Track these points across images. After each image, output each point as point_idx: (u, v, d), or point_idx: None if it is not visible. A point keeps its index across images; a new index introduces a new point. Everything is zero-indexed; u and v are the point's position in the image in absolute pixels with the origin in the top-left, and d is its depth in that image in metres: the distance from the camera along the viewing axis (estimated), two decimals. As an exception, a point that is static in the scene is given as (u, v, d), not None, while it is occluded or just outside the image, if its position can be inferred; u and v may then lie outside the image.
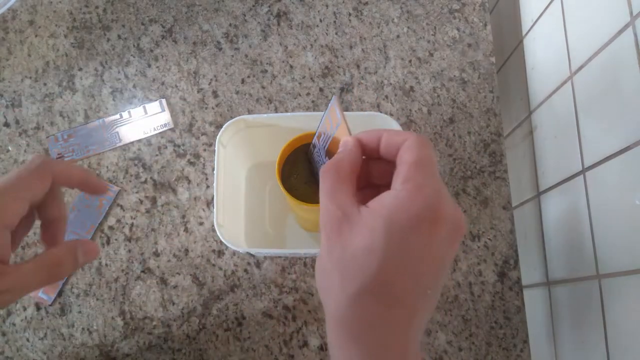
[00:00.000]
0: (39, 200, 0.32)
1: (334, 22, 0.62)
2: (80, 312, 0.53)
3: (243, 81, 0.60)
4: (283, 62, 0.61)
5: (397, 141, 0.27)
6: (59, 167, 0.33)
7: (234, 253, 0.54)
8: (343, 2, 0.63)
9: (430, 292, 0.26)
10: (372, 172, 0.30)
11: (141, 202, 0.56)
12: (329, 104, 0.33)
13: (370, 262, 0.25)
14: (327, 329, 0.27)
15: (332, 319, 0.26)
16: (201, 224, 0.55)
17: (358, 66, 0.60)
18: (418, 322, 0.26)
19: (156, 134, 0.58)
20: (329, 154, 0.36)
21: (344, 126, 0.31)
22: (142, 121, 0.59)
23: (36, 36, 0.62)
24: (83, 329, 0.53)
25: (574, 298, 0.47)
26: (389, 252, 0.24)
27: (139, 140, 0.58)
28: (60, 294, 0.53)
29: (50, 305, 0.53)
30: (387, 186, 0.27)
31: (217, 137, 0.47)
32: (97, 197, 0.55)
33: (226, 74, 0.60)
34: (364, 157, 0.30)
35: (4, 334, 0.53)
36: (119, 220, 0.56)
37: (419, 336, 0.27)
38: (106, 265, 0.54)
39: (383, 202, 0.25)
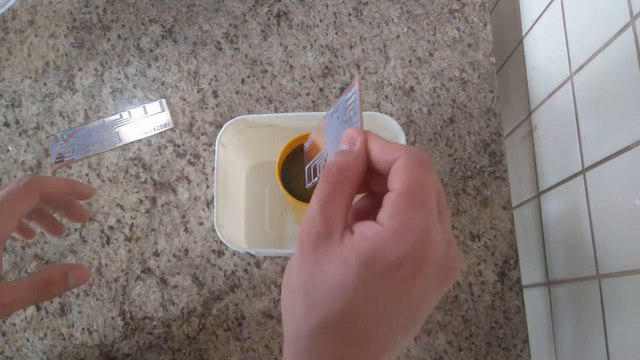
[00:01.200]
0: (27, 213, 0.35)
1: (334, 22, 0.62)
2: (80, 312, 0.53)
3: (243, 81, 0.60)
4: (283, 62, 0.61)
5: (387, 158, 0.24)
6: (46, 182, 0.35)
7: (234, 253, 0.54)
8: (343, 2, 0.63)
9: (401, 337, 0.24)
10: (369, 178, 0.26)
11: (141, 202, 0.56)
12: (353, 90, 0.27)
13: (338, 298, 0.22)
14: (283, 351, 0.25)
15: (290, 345, 0.24)
16: (201, 224, 0.55)
17: (358, 66, 0.60)
18: None
19: (156, 134, 0.58)
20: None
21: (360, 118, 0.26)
22: (142, 121, 0.59)
23: (36, 36, 0.62)
24: (83, 329, 0.53)
25: (574, 298, 0.47)
26: (361, 294, 0.22)
27: (139, 140, 0.58)
28: (60, 294, 0.53)
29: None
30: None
31: (217, 137, 0.47)
32: None
33: (226, 74, 0.60)
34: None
35: (4, 334, 0.53)
36: (119, 220, 0.56)
37: None
38: (106, 265, 0.54)
39: (366, 234, 0.23)
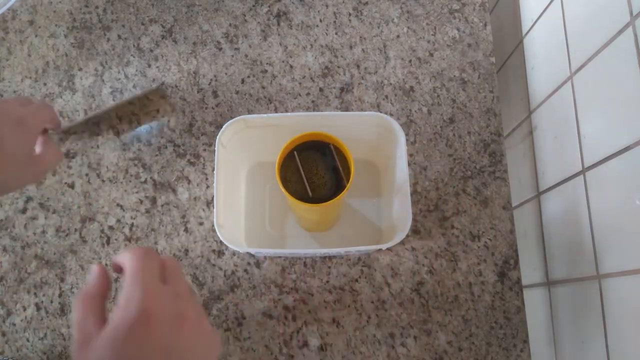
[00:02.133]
0: None
1: (334, 22, 0.62)
2: (80, 312, 0.53)
3: (243, 81, 0.60)
4: (283, 62, 0.61)
5: (122, 262, 0.32)
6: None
7: (234, 253, 0.54)
8: (343, 2, 0.63)
9: None
10: None
11: (141, 202, 0.56)
12: None
13: None
14: None
15: None
16: (201, 224, 0.55)
17: (358, 66, 0.60)
18: None
19: (156, 134, 0.58)
20: None
21: None
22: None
23: (36, 36, 0.62)
24: (83, 329, 0.53)
25: (574, 298, 0.47)
26: None
27: (139, 140, 0.58)
28: (60, 294, 0.53)
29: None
30: None
31: (217, 137, 0.47)
32: None
33: (226, 74, 0.60)
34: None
35: (4, 334, 0.53)
36: (119, 220, 0.56)
37: None
38: (106, 265, 0.54)
39: (111, 319, 0.29)
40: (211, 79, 0.60)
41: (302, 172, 0.45)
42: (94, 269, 0.34)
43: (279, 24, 0.62)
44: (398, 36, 0.61)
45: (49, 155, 0.45)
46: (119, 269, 0.33)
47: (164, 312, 0.29)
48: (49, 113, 0.46)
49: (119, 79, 0.60)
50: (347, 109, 0.59)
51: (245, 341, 0.52)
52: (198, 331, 0.31)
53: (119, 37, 0.62)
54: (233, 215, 0.51)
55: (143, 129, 0.59)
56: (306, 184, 0.44)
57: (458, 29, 0.61)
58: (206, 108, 0.59)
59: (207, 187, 0.56)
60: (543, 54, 0.55)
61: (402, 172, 0.46)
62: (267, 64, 0.61)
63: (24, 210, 0.56)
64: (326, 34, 0.62)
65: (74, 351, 0.29)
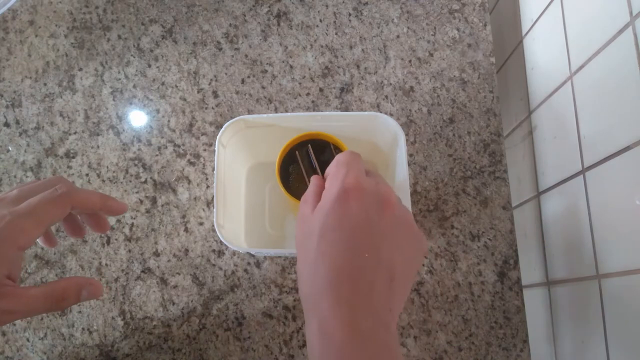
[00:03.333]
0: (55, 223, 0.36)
1: (334, 22, 0.62)
2: (80, 312, 0.53)
3: (243, 81, 0.60)
4: (283, 62, 0.61)
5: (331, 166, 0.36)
6: (80, 196, 0.36)
7: (234, 253, 0.54)
8: (343, 2, 0.63)
9: (368, 255, 0.30)
10: None
11: (141, 202, 0.56)
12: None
13: (313, 245, 0.31)
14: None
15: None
16: (201, 224, 0.55)
17: (358, 66, 0.60)
18: (364, 286, 0.30)
19: (156, 134, 0.58)
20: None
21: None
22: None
23: (36, 36, 0.62)
24: (83, 329, 0.53)
25: (573, 298, 0.47)
26: (323, 234, 0.31)
27: (139, 140, 0.58)
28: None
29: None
30: None
31: (217, 137, 0.47)
32: None
33: (226, 74, 0.60)
34: None
35: (4, 334, 0.53)
36: (119, 220, 0.56)
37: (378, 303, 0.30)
38: (106, 265, 0.54)
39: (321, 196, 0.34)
40: (211, 79, 0.60)
41: (303, 172, 0.45)
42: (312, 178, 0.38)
43: (279, 24, 0.62)
44: (398, 36, 0.61)
45: (41, 292, 0.32)
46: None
47: (365, 192, 0.32)
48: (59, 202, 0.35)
49: (119, 79, 0.60)
50: (347, 109, 0.59)
51: (245, 341, 0.52)
52: (401, 221, 0.33)
53: (119, 37, 0.62)
54: (233, 215, 0.51)
55: (143, 128, 0.59)
56: (307, 183, 0.44)
57: (458, 29, 0.61)
58: (206, 108, 0.59)
59: (207, 187, 0.56)
60: (543, 54, 0.55)
61: (402, 172, 0.46)
62: (267, 64, 0.61)
63: (24, 210, 0.56)
64: (326, 34, 0.62)
65: (297, 223, 0.35)
